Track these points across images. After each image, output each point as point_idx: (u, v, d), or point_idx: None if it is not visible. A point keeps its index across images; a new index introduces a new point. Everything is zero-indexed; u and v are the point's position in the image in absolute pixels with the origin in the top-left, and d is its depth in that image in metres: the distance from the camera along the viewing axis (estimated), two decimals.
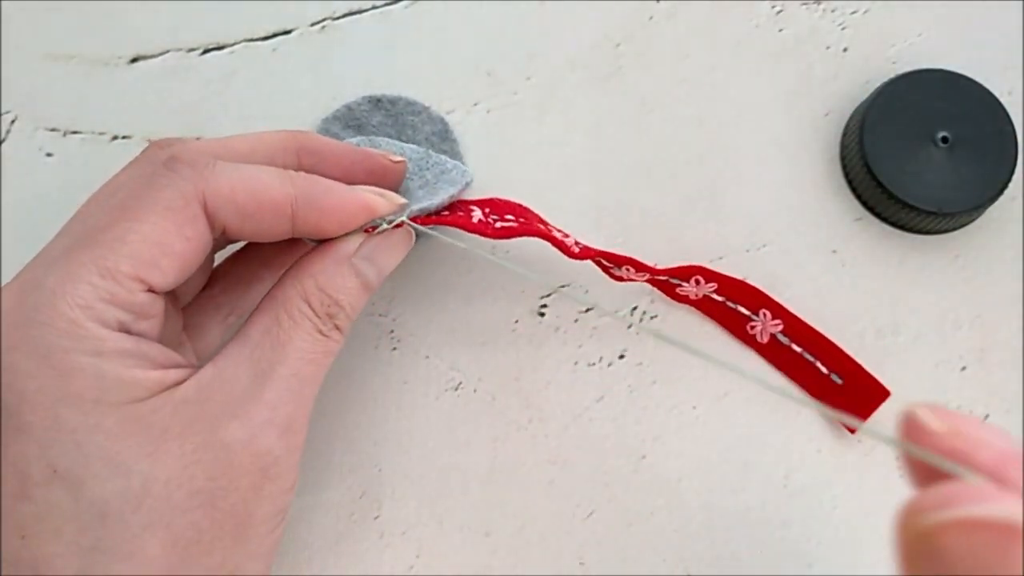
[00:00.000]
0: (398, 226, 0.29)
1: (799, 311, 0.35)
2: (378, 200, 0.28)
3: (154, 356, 0.25)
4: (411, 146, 0.33)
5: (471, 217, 0.30)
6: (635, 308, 0.35)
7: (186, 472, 0.24)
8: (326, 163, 0.29)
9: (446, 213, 0.31)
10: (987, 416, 0.34)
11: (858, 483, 0.33)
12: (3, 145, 0.37)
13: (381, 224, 0.28)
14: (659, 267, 0.33)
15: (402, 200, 0.29)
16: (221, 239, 0.31)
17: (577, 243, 0.32)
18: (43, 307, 0.24)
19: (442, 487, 0.33)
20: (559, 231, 0.32)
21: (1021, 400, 0.34)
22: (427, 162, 0.33)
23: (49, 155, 0.37)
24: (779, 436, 0.34)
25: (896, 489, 0.33)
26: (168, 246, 0.25)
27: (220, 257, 0.32)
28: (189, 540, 0.24)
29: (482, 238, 0.30)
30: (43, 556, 0.24)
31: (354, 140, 0.33)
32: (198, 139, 0.28)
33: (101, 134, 0.37)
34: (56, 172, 0.36)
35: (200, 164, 0.26)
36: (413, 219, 0.29)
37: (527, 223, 0.31)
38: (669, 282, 0.34)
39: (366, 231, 0.28)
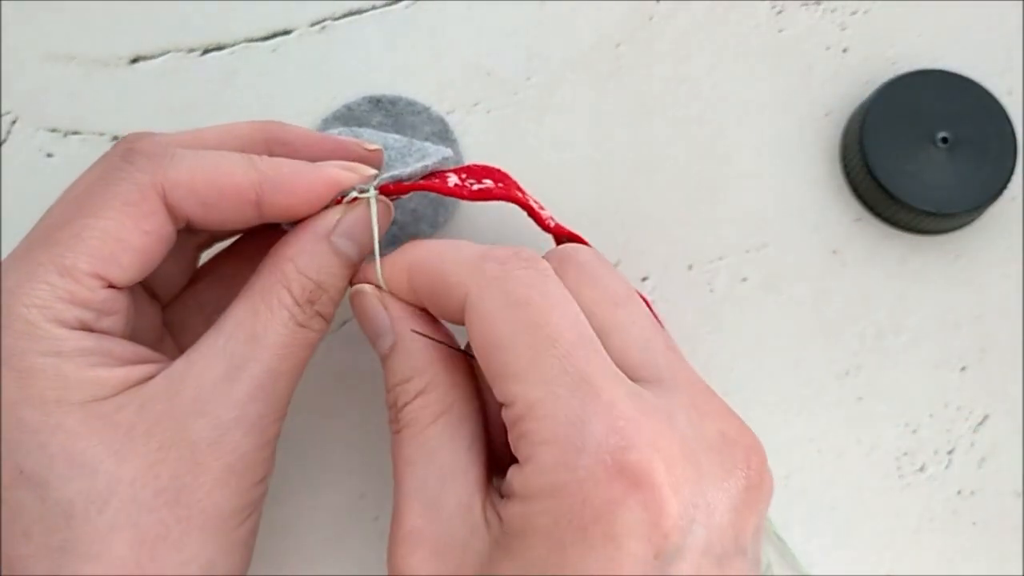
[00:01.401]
0: (381, 191, 0.28)
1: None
2: (344, 173, 0.27)
3: (119, 353, 0.25)
4: (394, 136, 0.32)
5: (447, 182, 0.29)
6: None
7: (152, 471, 0.24)
8: (298, 154, 0.28)
9: (421, 181, 0.30)
10: (987, 416, 0.34)
11: (858, 483, 0.33)
12: (3, 146, 0.37)
13: (350, 193, 0.27)
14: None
15: (370, 171, 0.28)
16: (201, 236, 0.31)
17: (552, 218, 0.31)
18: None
19: None
20: (536, 202, 0.31)
21: (1021, 400, 0.34)
22: (409, 149, 0.32)
23: (49, 155, 0.36)
24: (779, 436, 0.34)
25: (896, 489, 0.33)
26: (127, 241, 0.25)
27: (207, 256, 0.32)
28: (157, 537, 0.24)
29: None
30: (15, 557, 0.24)
31: (335, 130, 0.33)
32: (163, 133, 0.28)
33: (101, 134, 0.37)
34: (56, 172, 0.36)
35: (158, 155, 0.26)
36: (387, 189, 0.28)
37: (505, 188, 0.30)
38: None
39: (336, 201, 0.27)
